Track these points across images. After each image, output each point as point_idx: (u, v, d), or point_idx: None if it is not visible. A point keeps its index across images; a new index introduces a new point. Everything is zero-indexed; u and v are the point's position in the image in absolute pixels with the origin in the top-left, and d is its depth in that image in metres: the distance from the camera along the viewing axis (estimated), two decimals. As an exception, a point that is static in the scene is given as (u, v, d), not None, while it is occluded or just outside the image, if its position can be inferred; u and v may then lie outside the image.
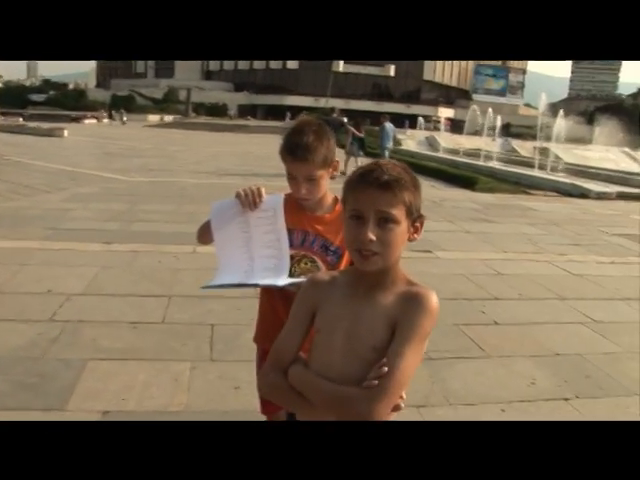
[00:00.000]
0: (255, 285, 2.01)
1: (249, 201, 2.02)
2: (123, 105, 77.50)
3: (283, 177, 2.18)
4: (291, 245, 2.07)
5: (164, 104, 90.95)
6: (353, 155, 15.99)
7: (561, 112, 25.18)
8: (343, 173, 15.10)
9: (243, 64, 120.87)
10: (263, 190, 2.06)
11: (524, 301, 5.85)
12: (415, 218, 1.48)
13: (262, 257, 2.01)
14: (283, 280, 1.94)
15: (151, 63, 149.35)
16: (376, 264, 1.43)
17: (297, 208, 2.14)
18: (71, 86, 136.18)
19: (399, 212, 1.42)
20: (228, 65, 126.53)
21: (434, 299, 1.44)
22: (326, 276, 1.61)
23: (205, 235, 2.17)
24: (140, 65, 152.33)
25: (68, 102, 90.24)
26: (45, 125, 36.82)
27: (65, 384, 3.56)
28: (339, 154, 2.33)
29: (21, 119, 51.69)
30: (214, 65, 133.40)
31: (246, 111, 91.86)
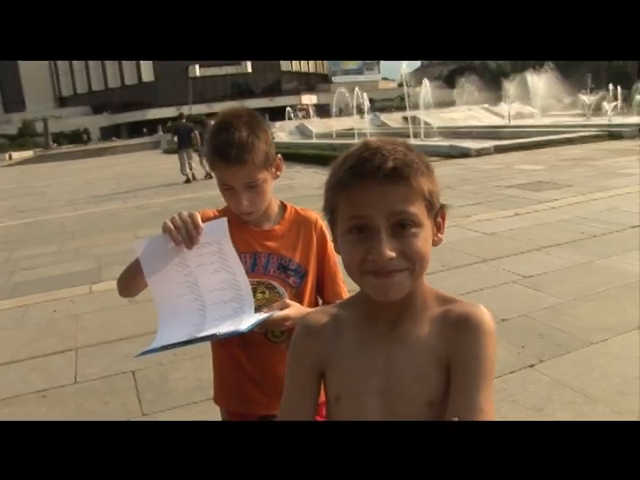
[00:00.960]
0: (211, 337, 1.52)
1: (183, 236, 1.49)
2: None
3: (167, 191, 1.71)
4: None
5: (21, 139, 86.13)
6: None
7: (425, 80, 25.61)
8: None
9: (97, 85, 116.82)
10: (198, 217, 1.52)
11: (450, 271, 5.66)
12: (437, 212, 1.07)
13: (215, 304, 1.53)
14: (245, 324, 1.47)
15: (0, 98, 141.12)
16: (402, 288, 1.01)
17: (237, 225, 1.67)
18: None
19: (419, 209, 1.00)
20: (81, 88, 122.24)
21: (487, 316, 1.04)
22: (322, 317, 1.16)
23: (132, 284, 1.64)
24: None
25: None
26: None
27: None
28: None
29: None
30: (66, 91, 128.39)
31: (110, 132, 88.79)
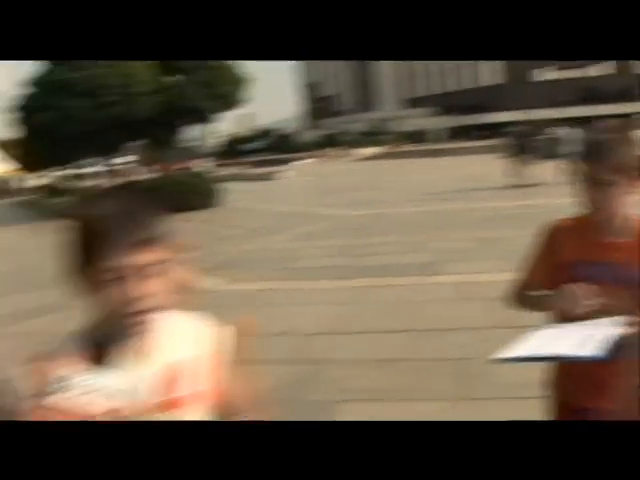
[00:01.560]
0: (561, 358, 1.61)
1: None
2: (334, 143, 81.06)
3: (502, 194, 1.79)
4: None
5: (373, 136, 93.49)
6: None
7: None
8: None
9: (451, 86, 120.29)
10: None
11: None
12: None
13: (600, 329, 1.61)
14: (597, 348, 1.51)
15: (355, 98, 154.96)
16: None
17: (588, 232, 1.77)
18: (285, 131, 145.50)
19: None
20: (435, 89, 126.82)
21: None
22: None
23: (534, 309, 1.90)
24: (346, 102, 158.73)
25: (283, 146, 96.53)
26: (265, 170, 39.52)
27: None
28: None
29: (241, 167, 56.14)
30: (419, 91, 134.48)
31: (453, 134, 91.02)
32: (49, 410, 1.01)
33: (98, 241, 1.11)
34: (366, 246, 9.25)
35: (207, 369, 1.29)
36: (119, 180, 28.43)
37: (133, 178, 32.61)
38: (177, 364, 1.25)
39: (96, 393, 1.04)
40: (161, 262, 1.15)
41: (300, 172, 40.47)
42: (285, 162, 59.32)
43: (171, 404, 1.24)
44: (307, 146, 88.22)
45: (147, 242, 1.13)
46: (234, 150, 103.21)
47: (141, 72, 20.48)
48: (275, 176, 33.33)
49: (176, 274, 1.25)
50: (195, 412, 1.27)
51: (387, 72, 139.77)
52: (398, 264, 7.64)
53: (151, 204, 1.22)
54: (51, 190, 42.85)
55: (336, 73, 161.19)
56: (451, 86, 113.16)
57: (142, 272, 1.13)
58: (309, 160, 61.10)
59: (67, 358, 1.15)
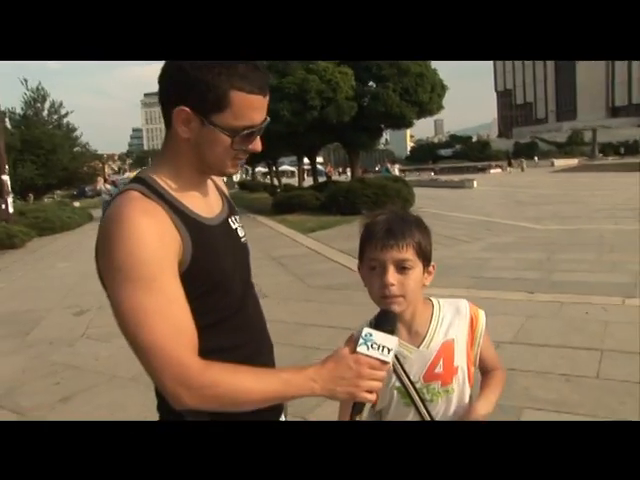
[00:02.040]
0: None
1: None
2: (526, 152, 78.28)
3: None
4: None
5: (568, 147, 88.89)
6: None
7: None
8: None
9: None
10: None
11: None
12: None
13: None
14: None
15: (552, 107, 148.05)
16: None
17: None
18: (475, 138, 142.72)
19: None
20: (637, 98, 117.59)
21: None
22: None
23: None
24: (541, 111, 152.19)
25: (473, 154, 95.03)
26: (455, 177, 39.37)
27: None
28: None
29: (432, 173, 56.40)
30: (620, 101, 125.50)
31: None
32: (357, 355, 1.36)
33: (369, 238, 1.58)
34: (559, 262, 9.20)
35: (466, 347, 1.65)
36: (322, 179, 30.11)
37: (332, 179, 34.28)
38: (450, 342, 1.63)
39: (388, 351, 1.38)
40: (411, 260, 1.55)
41: (492, 180, 39.75)
42: (478, 170, 58.61)
43: (442, 376, 1.62)
44: (501, 154, 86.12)
45: (402, 244, 1.54)
46: (428, 156, 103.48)
47: (342, 79, 21.53)
48: (466, 183, 33.10)
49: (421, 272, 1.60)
50: (456, 385, 1.63)
51: (587, 80, 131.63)
52: (591, 282, 7.56)
53: (411, 217, 1.65)
54: (241, 185, 46.04)
55: (534, 80, 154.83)
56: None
57: (397, 266, 1.55)
58: (501, 169, 59.67)
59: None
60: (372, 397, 1.34)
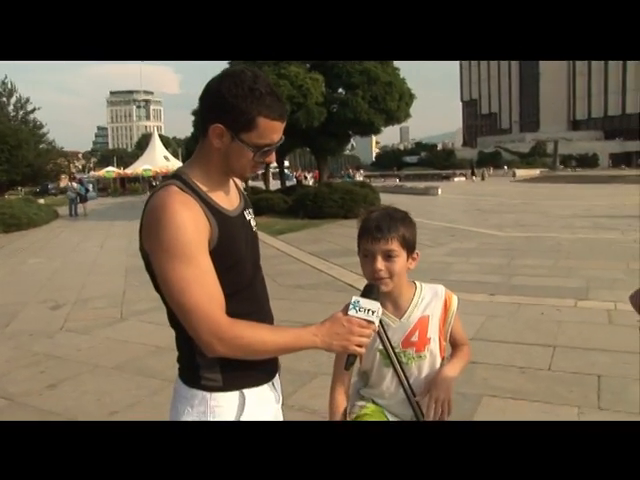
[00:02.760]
0: None
1: None
2: (490, 162, 79.60)
3: None
4: None
5: (530, 158, 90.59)
6: None
7: None
8: None
9: (613, 110, 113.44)
10: None
11: None
12: None
13: None
14: None
15: (516, 118, 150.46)
16: None
17: None
18: (440, 147, 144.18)
19: None
20: (596, 112, 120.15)
21: None
22: None
23: None
24: (505, 121, 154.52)
25: (438, 162, 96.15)
26: (420, 184, 39.97)
27: (465, 414, 4.12)
28: None
29: (397, 180, 57.03)
30: (581, 114, 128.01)
31: (620, 160, 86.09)
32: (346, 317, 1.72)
33: (363, 232, 1.99)
34: (519, 267, 9.71)
35: (439, 323, 2.04)
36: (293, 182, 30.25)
37: (301, 183, 34.49)
38: (426, 317, 2.03)
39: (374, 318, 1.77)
40: (396, 251, 1.95)
41: (456, 188, 40.43)
42: (442, 178, 59.40)
43: (417, 344, 2.02)
44: (465, 163, 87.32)
45: (387, 237, 1.94)
46: (393, 162, 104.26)
47: (313, 85, 21.84)
48: (431, 191, 33.66)
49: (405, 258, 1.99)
50: (428, 353, 2.03)
51: (550, 92, 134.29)
52: (548, 286, 8.07)
53: (399, 213, 2.04)
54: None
55: (499, 91, 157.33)
56: (614, 110, 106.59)
57: (384, 255, 1.95)
58: (465, 178, 60.60)
59: None
60: (361, 350, 1.70)
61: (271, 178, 40.38)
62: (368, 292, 1.78)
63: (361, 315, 1.70)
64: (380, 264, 1.93)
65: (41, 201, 32.29)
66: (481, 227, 15.41)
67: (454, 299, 2.09)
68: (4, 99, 40.81)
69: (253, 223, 1.93)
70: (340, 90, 24.01)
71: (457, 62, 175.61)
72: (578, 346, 5.50)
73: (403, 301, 2.05)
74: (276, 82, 21.46)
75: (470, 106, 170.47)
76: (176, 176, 1.76)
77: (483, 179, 57.89)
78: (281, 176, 32.33)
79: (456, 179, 59.95)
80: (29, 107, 42.21)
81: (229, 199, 1.83)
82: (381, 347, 2.02)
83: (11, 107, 41.22)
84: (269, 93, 1.68)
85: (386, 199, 21.96)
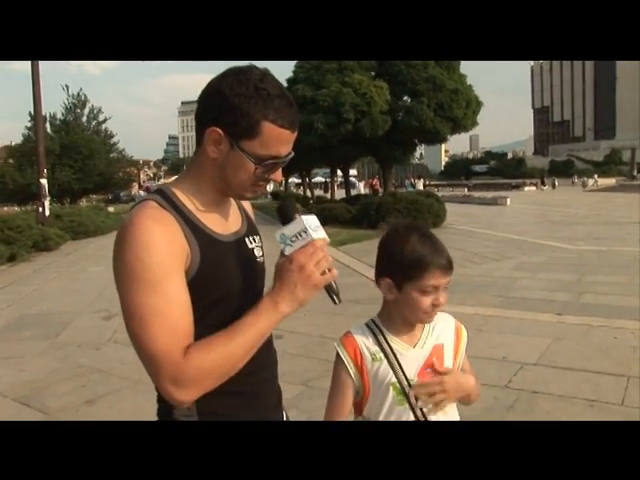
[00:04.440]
0: None
1: None
2: (562, 171, 77.38)
3: None
4: None
5: (605, 166, 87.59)
6: None
7: None
8: None
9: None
10: None
11: None
12: None
13: None
14: None
15: (589, 125, 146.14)
16: None
17: None
18: (510, 155, 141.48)
19: None
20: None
21: None
22: None
23: None
24: (578, 129, 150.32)
25: (507, 171, 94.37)
26: (489, 194, 39.09)
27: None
28: None
29: (466, 189, 56.14)
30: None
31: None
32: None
33: (420, 263, 1.65)
34: (590, 284, 9.07)
35: (453, 353, 1.75)
36: (355, 190, 30.20)
37: (363, 192, 34.31)
38: (440, 346, 1.73)
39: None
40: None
41: (526, 198, 39.34)
42: (512, 187, 58.14)
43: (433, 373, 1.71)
44: (536, 172, 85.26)
45: (446, 267, 1.65)
46: (462, 171, 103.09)
47: (377, 93, 21.59)
48: (499, 201, 32.85)
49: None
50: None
51: (627, 97, 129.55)
52: (622, 306, 7.43)
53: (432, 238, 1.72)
54: (273, 195, 46.53)
55: (572, 97, 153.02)
56: None
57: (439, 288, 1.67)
58: (536, 187, 59.05)
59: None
60: (331, 273, 1.41)
61: (337, 187, 40.45)
62: (285, 217, 1.46)
63: (298, 244, 1.40)
64: (444, 298, 1.66)
65: (111, 209, 33.24)
66: (550, 240, 14.67)
67: (464, 330, 1.81)
68: (78, 110, 42.25)
69: (258, 252, 1.62)
70: (405, 98, 23.67)
71: (528, 68, 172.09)
72: (655, 377, 4.95)
73: (417, 328, 1.75)
74: (339, 90, 21.39)
75: (541, 113, 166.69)
76: (158, 190, 1.49)
77: (554, 188, 56.26)
78: (346, 185, 32.16)
79: (526, 188, 58.46)
80: (101, 117, 43.58)
81: (223, 221, 1.54)
82: (394, 380, 1.68)
83: (84, 118, 42.66)
84: (279, 95, 1.41)
85: (453, 209, 21.52)
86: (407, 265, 1.65)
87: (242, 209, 1.68)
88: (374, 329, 1.75)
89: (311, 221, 1.43)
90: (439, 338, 1.74)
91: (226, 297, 1.47)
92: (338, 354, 1.73)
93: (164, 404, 1.44)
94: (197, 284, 1.39)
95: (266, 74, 1.42)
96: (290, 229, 1.42)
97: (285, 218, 1.46)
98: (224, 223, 1.54)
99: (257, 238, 1.65)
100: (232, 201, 1.62)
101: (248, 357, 1.40)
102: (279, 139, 1.42)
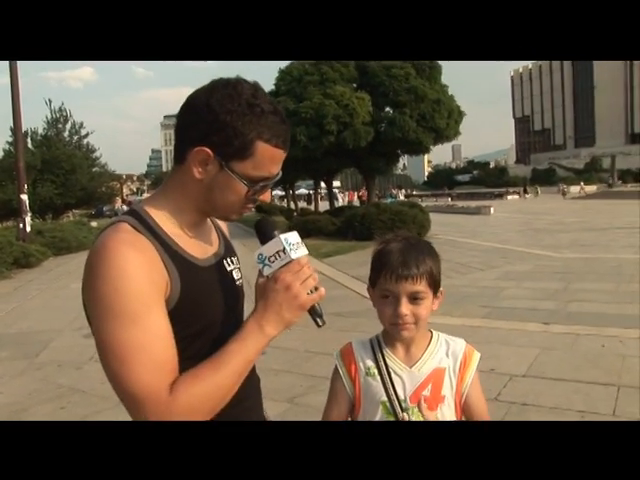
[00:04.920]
0: None
1: None
2: (544, 179, 78.03)
3: None
4: None
5: (586, 174, 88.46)
6: None
7: None
8: None
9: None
10: None
11: None
12: None
13: None
14: None
15: (570, 133, 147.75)
16: None
17: None
18: (492, 164, 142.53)
19: None
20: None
21: None
22: None
23: None
24: (559, 137, 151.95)
25: (490, 180, 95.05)
26: (472, 203, 39.23)
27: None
28: None
29: (449, 199, 56.39)
30: (639, 127, 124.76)
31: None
32: None
33: (382, 268, 1.59)
34: (576, 292, 9.03)
35: (457, 381, 1.63)
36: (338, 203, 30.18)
37: (346, 204, 34.31)
38: (441, 370, 1.63)
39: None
40: (423, 292, 1.57)
41: (509, 207, 39.55)
42: (495, 196, 58.51)
43: (429, 401, 1.61)
44: (518, 180, 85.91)
45: (415, 276, 1.55)
46: (445, 181, 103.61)
47: (359, 104, 21.63)
48: (483, 210, 33.00)
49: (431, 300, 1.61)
50: (440, 415, 1.61)
51: (605, 105, 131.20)
52: (609, 314, 7.40)
53: (423, 243, 1.65)
54: (257, 208, 46.48)
55: (552, 106, 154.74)
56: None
57: (410, 297, 1.56)
58: (519, 195, 59.46)
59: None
60: (318, 293, 1.33)
61: (320, 200, 40.43)
62: (262, 234, 1.37)
63: (277, 264, 1.31)
64: (405, 308, 1.56)
65: (94, 224, 32.91)
66: (535, 248, 14.68)
67: (475, 355, 1.69)
68: (60, 125, 41.92)
69: (237, 275, 1.52)
70: (387, 109, 23.71)
71: (509, 78, 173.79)
72: (645, 386, 4.89)
73: (417, 348, 1.65)
74: (322, 102, 21.39)
75: (522, 122, 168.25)
76: (131, 211, 1.37)
77: (536, 196, 56.74)
78: (330, 197, 32.12)
79: (509, 197, 58.83)
80: (83, 132, 43.28)
81: (201, 244, 1.43)
82: (384, 399, 1.61)
83: (66, 132, 42.33)
84: (272, 112, 1.32)
85: (437, 219, 21.51)
86: (372, 268, 1.63)
87: (218, 228, 1.58)
88: (375, 344, 1.68)
89: (291, 239, 1.35)
90: (442, 362, 1.65)
91: (209, 327, 1.37)
92: (336, 364, 1.69)
93: None
94: (178, 314, 1.29)
95: (257, 88, 1.33)
96: (268, 249, 1.33)
97: (263, 237, 1.37)
98: (202, 246, 1.43)
99: (235, 259, 1.56)
100: (209, 221, 1.53)
101: (237, 387, 1.30)
102: (273, 159, 1.33)
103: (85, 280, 1.26)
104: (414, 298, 1.56)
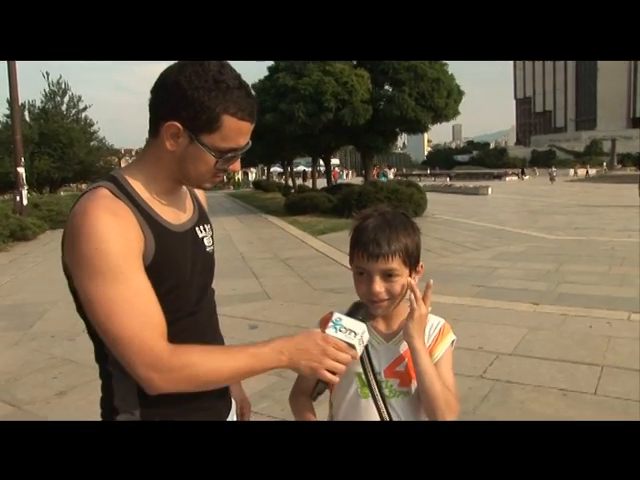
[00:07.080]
0: None
1: None
2: (544, 161, 77.85)
3: None
4: None
5: (586, 157, 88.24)
6: None
7: None
8: None
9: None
10: None
11: None
12: None
13: None
14: None
15: (571, 116, 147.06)
16: None
17: None
18: (492, 145, 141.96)
19: None
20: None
21: None
22: None
23: None
24: (560, 119, 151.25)
25: (489, 160, 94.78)
26: (470, 184, 39.21)
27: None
28: None
29: (448, 179, 56.32)
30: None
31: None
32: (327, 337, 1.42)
33: (356, 245, 1.61)
34: (568, 273, 9.09)
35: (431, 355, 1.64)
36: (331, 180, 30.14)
37: (345, 181, 34.25)
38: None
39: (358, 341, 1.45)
40: (397, 269, 1.58)
41: (507, 188, 39.52)
42: (494, 177, 58.44)
43: (403, 376, 1.64)
44: (518, 162, 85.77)
45: (387, 254, 1.56)
46: (444, 161, 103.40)
47: (358, 82, 21.49)
48: (481, 190, 32.98)
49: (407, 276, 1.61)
50: (414, 394, 1.63)
51: (608, 89, 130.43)
52: (599, 296, 7.47)
53: (399, 219, 1.64)
54: (256, 185, 46.29)
55: (554, 88, 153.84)
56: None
57: (383, 274, 1.58)
58: (517, 177, 59.37)
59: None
60: (334, 378, 1.41)
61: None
62: (354, 311, 1.50)
63: (341, 336, 1.42)
64: (378, 286, 1.57)
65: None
66: (530, 229, 14.72)
67: (450, 334, 1.72)
68: (58, 98, 41.51)
69: (208, 242, 1.61)
70: (386, 87, 23.56)
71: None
72: (630, 367, 4.95)
73: (396, 323, 1.68)
74: (321, 79, 21.24)
75: (524, 104, 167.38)
76: (110, 177, 1.46)
77: (535, 177, 56.79)
78: (327, 174, 32.05)
79: (508, 178, 58.79)
80: (81, 105, 42.84)
81: (175, 211, 1.52)
82: (360, 370, 1.64)
83: (64, 106, 41.90)
84: (237, 87, 1.41)
85: (434, 199, 21.50)
86: (350, 244, 1.66)
87: (194, 196, 1.66)
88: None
89: (365, 336, 1.47)
90: None
91: (176, 287, 1.45)
92: None
93: (107, 410, 1.48)
94: (151, 275, 1.38)
95: (224, 65, 1.41)
96: (350, 323, 1.45)
97: (354, 312, 1.49)
98: (176, 212, 1.52)
99: (207, 227, 1.64)
100: (185, 188, 1.60)
101: (226, 383, 1.46)
102: (239, 131, 1.42)
103: (67, 241, 1.36)
104: (388, 275, 1.58)
